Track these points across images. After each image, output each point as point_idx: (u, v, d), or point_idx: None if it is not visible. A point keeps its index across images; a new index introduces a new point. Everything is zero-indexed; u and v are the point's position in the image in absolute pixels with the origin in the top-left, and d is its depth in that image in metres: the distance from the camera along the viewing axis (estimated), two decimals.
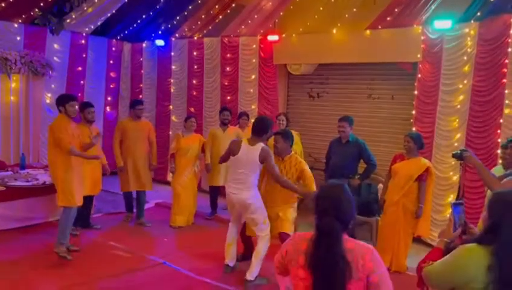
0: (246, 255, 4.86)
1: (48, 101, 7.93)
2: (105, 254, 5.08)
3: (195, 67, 8.34)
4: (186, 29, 8.41)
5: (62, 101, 4.90)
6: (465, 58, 5.39)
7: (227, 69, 7.90)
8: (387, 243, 4.83)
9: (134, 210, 6.39)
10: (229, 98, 7.90)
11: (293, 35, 7.10)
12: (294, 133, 6.21)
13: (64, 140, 4.69)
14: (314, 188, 4.42)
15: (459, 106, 5.47)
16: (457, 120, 5.49)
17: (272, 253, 4.41)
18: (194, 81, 8.39)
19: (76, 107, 4.96)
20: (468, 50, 5.36)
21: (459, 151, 3.75)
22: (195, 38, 8.36)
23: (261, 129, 4.36)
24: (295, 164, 4.49)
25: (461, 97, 5.44)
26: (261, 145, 4.30)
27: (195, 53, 8.33)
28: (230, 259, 4.64)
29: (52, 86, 8.04)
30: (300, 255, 1.93)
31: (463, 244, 2.05)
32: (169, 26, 8.55)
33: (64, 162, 4.78)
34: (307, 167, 4.53)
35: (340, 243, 1.86)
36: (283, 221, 4.46)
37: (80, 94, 8.58)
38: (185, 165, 6.19)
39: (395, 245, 4.82)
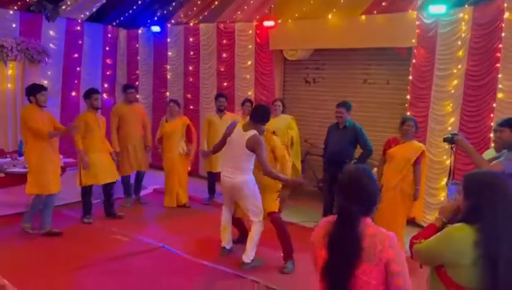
0: (240, 238, 4.96)
1: None
2: (104, 239, 5.17)
3: (192, 53, 8.34)
4: (182, 15, 8.38)
5: (33, 90, 5.05)
6: (459, 43, 5.43)
7: (224, 55, 7.91)
8: (387, 227, 4.89)
9: (133, 196, 6.54)
10: (225, 84, 7.92)
11: (289, 20, 7.10)
12: (288, 117, 6.32)
13: (40, 129, 4.91)
14: (288, 167, 4.53)
15: (453, 91, 5.52)
16: (451, 104, 5.56)
17: (265, 236, 4.53)
18: (191, 68, 8.40)
19: (47, 96, 5.14)
20: (463, 35, 5.39)
21: (450, 135, 3.82)
22: (191, 24, 8.34)
23: (260, 117, 4.35)
24: (268, 141, 4.51)
25: (455, 82, 5.50)
26: (252, 132, 4.27)
27: (191, 39, 8.32)
28: (226, 242, 4.72)
29: (49, 72, 8.03)
30: (325, 237, 1.96)
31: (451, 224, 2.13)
32: (165, 12, 8.51)
33: (38, 150, 4.98)
34: (277, 144, 4.58)
35: (355, 226, 1.88)
36: (268, 201, 4.51)
37: (76, 81, 8.60)
38: (169, 149, 6.38)
39: (394, 229, 4.87)
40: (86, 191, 5.64)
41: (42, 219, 5.14)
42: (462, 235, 1.98)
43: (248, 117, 4.66)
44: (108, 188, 5.78)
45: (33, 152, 5.00)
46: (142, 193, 7.01)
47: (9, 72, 7.42)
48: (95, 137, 5.55)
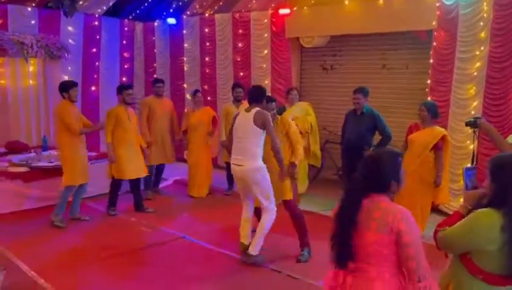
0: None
1: None
2: (128, 230, 5.27)
3: (208, 44, 8.34)
4: (197, 6, 8.37)
5: (67, 86, 5.28)
6: (481, 24, 5.27)
7: (239, 45, 7.88)
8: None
9: (154, 187, 6.68)
10: (241, 74, 7.90)
11: (305, 7, 7.01)
12: (305, 103, 6.29)
13: (73, 124, 5.18)
14: (299, 154, 4.39)
15: (475, 74, 5.38)
16: (473, 88, 5.42)
17: (278, 225, 4.51)
18: (207, 59, 8.40)
19: (78, 92, 5.41)
20: (484, 15, 5.23)
21: (472, 119, 3.73)
22: (207, 15, 8.32)
23: (255, 97, 4.27)
24: (284, 124, 4.47)
25: (478, 64, 5.35)
26: (256, 109, 4.16)
27: (206, 30, 8.31)
28: (243, 237, 4.48)
29: (69, 68, 8.15)
30: None
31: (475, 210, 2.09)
32: (180, 3, 8.51)
33: (71, 143, 5.24)
34: (293, 129, 4.49)
35: (357, 198, 2.02)
36: (285, 188, 4.38)
37: (95, 76, 8.72)
38: (195, 140, 6.46)
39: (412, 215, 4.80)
40: (116, 183, 5.76)
41: (71, 207, 5.46)
42: (488, 220, 1.94)
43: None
44: (135, 182, 5.87)
45: (66, 146, 5.26)
46: (163, 184, 7.13)
47: (31, 68, 7.57)
48: (126, 131, 5.59)
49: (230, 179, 6.79)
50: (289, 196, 4.41)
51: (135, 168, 5.69)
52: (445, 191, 4.91)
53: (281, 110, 6.38)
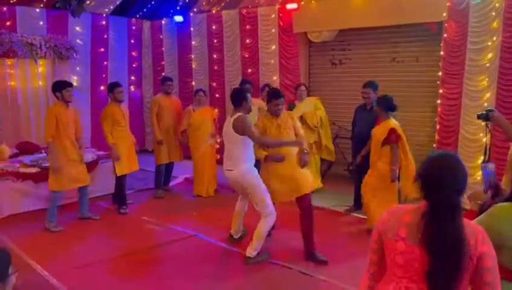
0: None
1: (74, 84, 8.06)
2: (138, 228, 5.28)
3: (215, 41, 8.31)
4: (204, 3, 8.35)
5: (60, 87, 5.16)
6: (493, 14, 5.16)
7: (247, 41, 7.84)
8: (367, 204, 4.93)
9: (163, 186, 6.71)
10: (250, 70, 7.87)
11: (312, 2, 6.94)
12: (313, 98, 6.25)
13: (46, 130, 5.06)
14: (304, 141, 4.29)
15: (488, 64, 5.28)
16: (486, 79, 5.31)
17: (290, 221, 4.47)
18: (215, 56, 8.38)
19: (71, 92, 5.22)
20: (496, 5, 5.12)
21: (484, 112, 3.65)
22: (214, 11, 8.29)
23: (234, 99, 4.24)
24: (290, 118, 4.43)
25: (490, 55, 5.25)
26: (236, 114, 4.14)
27: (214, 27, 8.28)
28: (233, 230, 4.68)
29: (77, 68, 8.20)
30: (401, 228, 1.72)
31: (495, 204, 2.02)
32: (186, 1, 8.50)
33: (58, 148, 5.14)
34: (298, 124, 4.49)
35: (461, 218, 1.65)
36: (300, 182, 4.26)
37: (104, 75, 8.74)
38: (198, 139, 6.40)
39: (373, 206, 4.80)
40: (121, 181, 5.78)
41: (79, 206, 5.53)
42: (509, 215, 1.88)
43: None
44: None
45: (54, 149, 5.12)
46: (173, 182, 7.14)
47: (40, 69, 7.61)
48: (122, 128, 5.69)
49: None
50: (307, 189, 4.29)
51: (131, 163, 5.82)
52: (410, 183, 4.70)
53: (291, 106, 6.34)
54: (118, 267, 4.20)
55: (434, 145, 5.95)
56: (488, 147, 4.06)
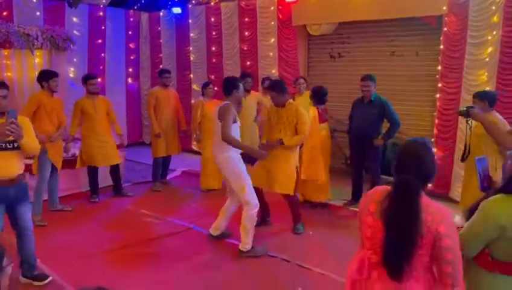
0: (264, 217, 5.00)
1: (71, 75, 8.07)
2: (136, 221, 5.26)
3: (214, 33, 8.26)
4: None
5: (47, 76, 5.11)
6: (494, 8, 5.13)
7: (246, 33, 7.79)
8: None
9: (160, 179, 6.68)
10: (248, 63, 7.82)
11: None
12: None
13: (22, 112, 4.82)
14: (305, 135, 4.58)
15: (487, 59, 5.26)
16: (485, 74, 5.29)
17: (284, 214, 4.47)
18: (213, 48, 8.33)
19: (58, 82, 5.20)
20: None
21: (465, 108, 3.66)
22: (212, 3, 8.23)
23: (226, 88, 4.33)
24: (293, 113, 4.55)
25: (490, 49, 5.22)
26: (223, 103, 4.24)
27: (212, 19, 8.23)
28: (212, 227, 4.67)
29: (74, 60, 8.14)
30: (372, 203, 1.93)
31: (487, 198, 2.03)
32: None
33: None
34: (305, 119, 4.58)
35: (417, 200, 1.81)
36: (277, 179, 4.52)
37: (101, 67, 8.69)
38: (210, 130, 6.27)
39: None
40: (91, 171, 5.90)
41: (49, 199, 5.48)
42: (503, 206, 1.89)
43: (269, 95, 4.76)
44: (113, 169, 6.03)
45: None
46: (171, 175, 7.12)
47: (37, 60, 7.53)
48: (92, 121, 5.69)
49: None
50: (290, 191, 4.57)
51: (104, 157, 5.80)
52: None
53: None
54: (116, 260, 4.20)
55: (432, 139, 5.95)
56: (468, 143, 4.06)
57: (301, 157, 5.27)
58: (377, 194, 1.95)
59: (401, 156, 1.91)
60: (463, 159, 4.19)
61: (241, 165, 4.27)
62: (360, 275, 1.95)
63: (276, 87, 4.61)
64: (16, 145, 3.37)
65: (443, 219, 1.79)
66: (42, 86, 5.14)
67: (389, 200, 1.85)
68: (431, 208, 1.81)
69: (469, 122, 3.93)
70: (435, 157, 1.93)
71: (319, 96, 5.50)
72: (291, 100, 4.75)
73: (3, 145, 3.35)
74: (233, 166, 4.23)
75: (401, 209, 1.80)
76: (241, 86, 4.39)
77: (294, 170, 4.61)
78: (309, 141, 5.21)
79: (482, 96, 4.03)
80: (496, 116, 3.95)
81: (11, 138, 3.32)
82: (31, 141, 3.47)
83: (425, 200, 1.84)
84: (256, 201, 4.27)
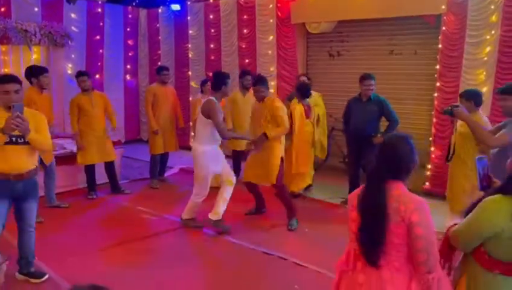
0: (259, 208, 5.23)
1: (69, 71, 8.03)
2: (134, 218, 5.26)
3: (212, 31, 8.24)
4: None
5: (36, 72, 5.03)
6: (492, 7, 5.14)
7: (245, 31, 7.77)
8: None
9: (158, 176, 6.68)
10: (247, 61, 7.81)
11: None
12: (315, 94, 6.20)
13: None
14: (285, 128, 4.74)
15: (486, 58, 5.27)
16: (484, 73, 5.31)
17: (283, 212, 4.48)
18: (212, 45, 8.31)
19: (49, 79, 5.20)
20: None
21: (449, 107, 3.66)
22: (211, 0, 8.21)
23: (215, 83, 4.61)
24: (270, 107, 4.73)
25: (488, 49, 5.23)
26: (208, 98, 4.52)
27: (211, 16, 8.21)
28: (185, 212, 4.95)
29: (72, 56, 8.11)
30: (354, 198, 2.04)
31: (486, 197, 2.03)
32: None
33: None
34: (281, 112, 4.72)
35: (380, 188, 1.92)
36: (271, 172, 4.73)
37: (99, 63, 8.67)
38: None
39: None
40: (88, 169, 5.88)
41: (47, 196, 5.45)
42: (501, 206, 1.89)
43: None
44: (108, 166, 6.03)
45: None
46: (169, 172, 7.12)
47: (34, 56, 7.52)
48: (89, 117, 5.68)
49: (237, 167, 6.75)
50: (272, 181, 4.76)
51: (100, 153, 5.81)
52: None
53: (291, 97, 6.31)
54: (113, 257, 4.19)
55: (430, 138, 5.95)
56: (453, 143, 4.06)
57: (288, 152, 5.48)
58: (360, 189, 2.06)
59: (379, 148, 2.02)
60: (448, 160, 4.19)
61: (212, 161, 4.60)
62: (346, 266, 2.07)
63: (263, 82, 4.83)
64: (27, 140, 3.32)
65: (416, 207, 1.87)
66: (31, 82, 5.05)
67: (362, 191, 2.01)
68: (404, 198, 1.90)
69: (454, 121, 3.94)
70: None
71: (303, 92, 5.63)
72: (271, 96, 5.02)
73: (14, 139, 3.31)
74: (203, 160, 4.58)
75: (369, 196, 1.95)
76: (229, 81, 4.68)
77: (279, 160, 4.78)
78: (298, 136, 5.53)
79: (468, 96, 4.04)
80: (480, 117, 3.96)
81: (17, 132, 3.26)
82: (41, 136, 3.42)
83: (399, 189, 1.94)
84: (206, 193, 4.72)
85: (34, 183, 3.59)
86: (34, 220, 3.69)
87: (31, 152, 3.46)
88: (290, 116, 5.38)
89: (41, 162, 5.06)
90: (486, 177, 2.41)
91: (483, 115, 4.08)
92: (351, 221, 2.03)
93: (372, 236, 1.90)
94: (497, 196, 1.94)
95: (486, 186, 2.37)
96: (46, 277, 3.72)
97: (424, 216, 1.86)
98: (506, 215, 1.86)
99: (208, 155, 4.58)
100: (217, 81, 4.58)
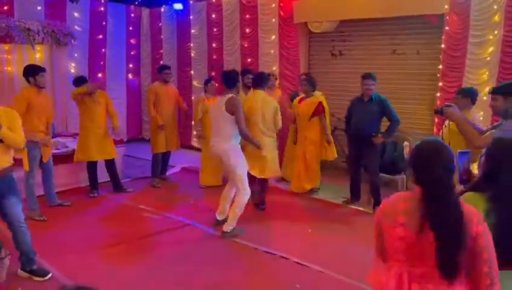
0: (262, 199, 5.40)
1: (72, 70, 8.05)
2: (135, 217, 5.27)
3: (215, 30, 8.24)
4: None
5: (33, 71, 4.95)
6: (495, 7, 5.13)
7: (247, 30, 7.77)
8: (305, 170, 5.98)
9: (160, 175, 6.68)
10: (249, 60, 7.81)
11: None
12: (318, 93, 6.18)
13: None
14: (278, 125, 5.14)
15: (488, 58, 5.26)
16: (486, 73, 5.30)
17: (284, 213, 4.49)
18: (214, 45, 8.31)
19: (46, 78, 5.11)
20: None
21: (440, 107, 3.67)
22: (214, 0, 8.21)
23: (228, 81, 4.62)
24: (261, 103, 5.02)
25: (491, 49, 5.22)
26: (229, 95, 4.51)
27: (213, 15, 8.21)
28: (218, 211, 4.96)
29: (75, 55, 8.13)
30: (399, 215, 1.81)
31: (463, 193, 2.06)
32: None
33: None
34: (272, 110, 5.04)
35: (454, 195, 1.75)
36: (270, 167, 5.10)
37: (102, 62, 8.68)
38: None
39: (310, 171, 5.97)
40: (90, 166, 5.91)
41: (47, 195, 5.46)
42: (472, 206, 1.89)
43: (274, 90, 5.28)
44: (108, 164, 6.03)
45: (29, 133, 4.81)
46: (170, 171, 7.13)
47: (37, 55, 7.52)
48: (92, 114, 5.71)
49: None
50: (267, 175, 5.12)
51: (101, 150, 5.83)
52: (332, 148, 6.02)
53: (293, 96, 6.31)
54: (115, 255, 4.20)
55: None
56: (445, 139, 4.06)
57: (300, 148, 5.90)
58: (401, 203, 1.85)
59: (420, 154, 1.83)
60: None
61: (241, 154, 4.62)
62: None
63: (264, 80, 5.11)
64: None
65: (479, 219, 1.76)
66: (28, 81, 4.99)
67: (427, 205, 1.74)
68: (466, 211, 1.76)
69: (445, 121, 3.96)
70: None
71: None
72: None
73: None
74: (236, 155, 4.56)
75: (447, 211, 1.72)
76: (239, 78, 4.85)
77: (277, 154, 5.20)
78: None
79: (465, 93, 4.13)
80: (473, 115, 4.05)
81: None
82: (13, 134, 3.41)
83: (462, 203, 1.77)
84: (249, 190, 4.63)
85: (10, 180, 3.56)
86: (22, 215, 3.65)
87: (5, 150, 3.45)
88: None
89: (39, 161, 5.09)
90: (466, 171, 2.43)
91: (475, 112, 4.22)
92: (395, 239, 1.82)
93: (454, 253, 1.72)
94: (468, 195, 2.01)
95: (466, 180, 2.40)
96: (50, 275, 3.73)
97: (486, 227, 1.77)
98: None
99: (238, 149, 4.63)
100: (231, 79, 4.62)
